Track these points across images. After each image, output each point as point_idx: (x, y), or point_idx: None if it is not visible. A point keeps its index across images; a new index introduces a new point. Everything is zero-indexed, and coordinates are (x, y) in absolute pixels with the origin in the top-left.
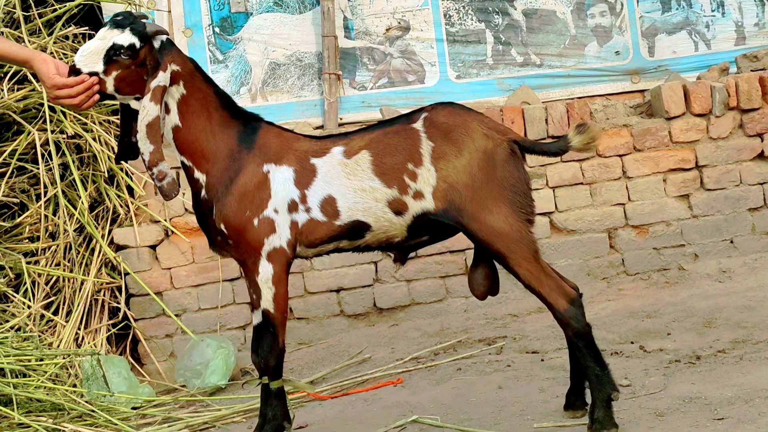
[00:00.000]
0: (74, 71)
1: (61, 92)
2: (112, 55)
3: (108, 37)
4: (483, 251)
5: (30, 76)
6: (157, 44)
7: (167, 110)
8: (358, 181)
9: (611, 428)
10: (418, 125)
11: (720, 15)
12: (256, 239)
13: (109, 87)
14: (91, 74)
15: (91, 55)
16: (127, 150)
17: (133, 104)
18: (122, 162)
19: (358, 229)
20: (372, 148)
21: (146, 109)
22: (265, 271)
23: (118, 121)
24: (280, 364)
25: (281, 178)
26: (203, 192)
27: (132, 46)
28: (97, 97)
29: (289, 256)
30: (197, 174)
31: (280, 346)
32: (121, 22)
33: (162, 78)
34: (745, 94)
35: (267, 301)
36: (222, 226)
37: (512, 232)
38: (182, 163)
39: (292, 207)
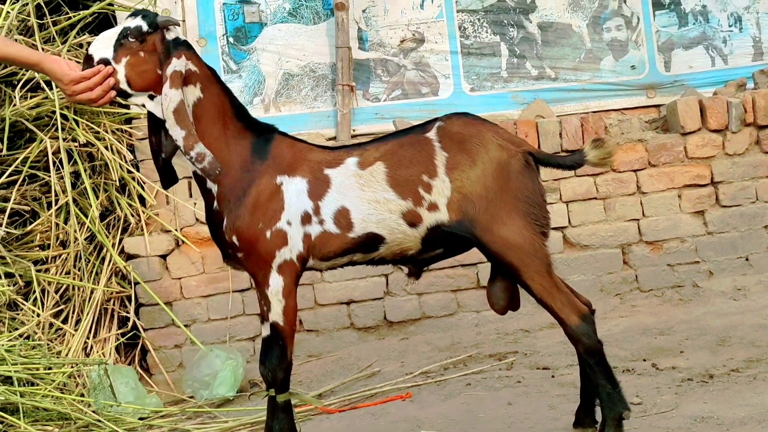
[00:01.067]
0: (87, 59)
1: (78, 86)
2: (121, 38)
3: (122, 25)
4: (496, 264)
5: (42, 84)
6: (170, 36)
7: None
8: (372, 192)
9: None
10: (432, 135)
11: (737, 30)
12: (268, 251)
13: (121, 78)
14: (102, 62)
15: (103, 40)
16: (168, 171)
17: (149, 105)
18: (169, 188)
19: (371, 242)
20: (387, 160)
21: (168, 96)
22: (276, 283)
23: (131, 130)
24: (288, 377)
25: (294, 190)
26: (215, 203)
27: (138, 27)
28: (113, 93)
29: (298, 268)
30: (209, 184)
31: (288, 359)
32: (136, 12)
33: (177, 64)
34: (762, 110)
35: (276, 314)
36: (234, 238)
37: (526, 245)
38: (194, 172)
39: (306, 219)
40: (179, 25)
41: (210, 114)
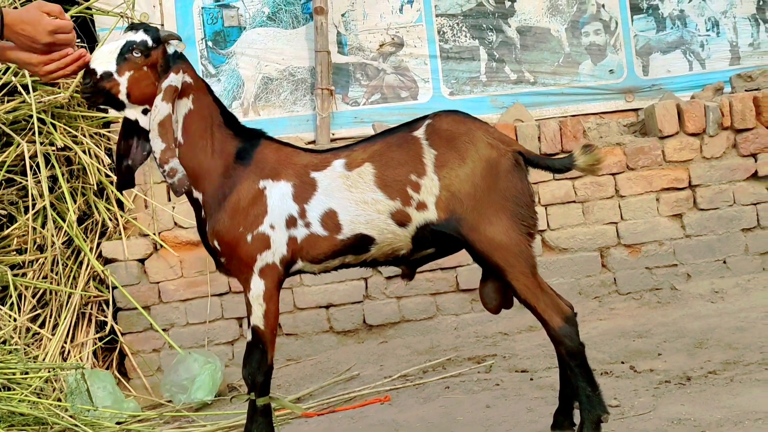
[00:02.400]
0: (90, 73)
1: (50, 66)
2: (125, 52)
3: (122, 38)
4: (481, 263)
5: (20, 88)
6: (170, 50)
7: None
8: (360, 193)
9: None
10: (420, 134)
11: (715, 35)
12: (249, 255)
13: (122, 89)
14: (104, 75)
15: (105, 54)
16: (128, 176)
17: (141, 120)
18: (123, 191)
19: (361, 243)
20: (375, 160)
21: (158, 108)
22: (257, 287)
23: (109, 134)
24: (268, 381)
25: (278, 194)
26: (202, 212)
27: (144, 42)
28: (88, 56)
29: (281, 272)
30: (195, 194)
31: (268, 363)
32: (136, 26)
33: (173, 79)
34: (739, 114)
35: (257, 318)
36: (215, 243)
37: (512, 245)
38: None
39: (290, 222)
40: (180, 39)
41: (198, 125)
